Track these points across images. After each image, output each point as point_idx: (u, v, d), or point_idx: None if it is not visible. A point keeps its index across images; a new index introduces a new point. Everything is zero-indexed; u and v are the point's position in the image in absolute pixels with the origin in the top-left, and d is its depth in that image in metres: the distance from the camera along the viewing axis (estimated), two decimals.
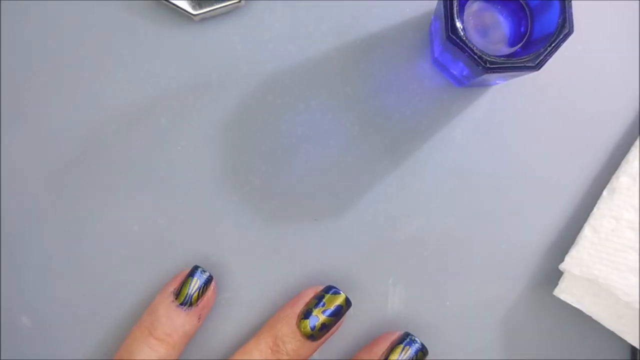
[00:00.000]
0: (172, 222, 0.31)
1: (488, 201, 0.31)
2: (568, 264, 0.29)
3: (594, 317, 0.29)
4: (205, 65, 0.30)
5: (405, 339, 0.28)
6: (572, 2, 0.23)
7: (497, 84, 0.30)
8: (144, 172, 0.31)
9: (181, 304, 0.28)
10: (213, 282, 0.29)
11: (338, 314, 0.28)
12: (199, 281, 0.28)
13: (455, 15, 0.23)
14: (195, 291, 0.28)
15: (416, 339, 0.28)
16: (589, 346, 0.30)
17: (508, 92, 0.30)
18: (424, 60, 0.30)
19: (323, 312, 0.28)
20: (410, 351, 0.28)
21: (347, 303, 0.28)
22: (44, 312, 0.31)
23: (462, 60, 0.25)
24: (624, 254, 0.28)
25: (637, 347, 0.29)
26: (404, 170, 0.30)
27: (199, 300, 0.28)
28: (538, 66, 0.23)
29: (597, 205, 0.29)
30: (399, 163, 0.30)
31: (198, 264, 0.30)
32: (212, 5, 0.29)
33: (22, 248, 0.31)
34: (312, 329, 0.27)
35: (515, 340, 0.30)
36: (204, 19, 0.30)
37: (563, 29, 0.23)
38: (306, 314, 0.28)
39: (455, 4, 0.23)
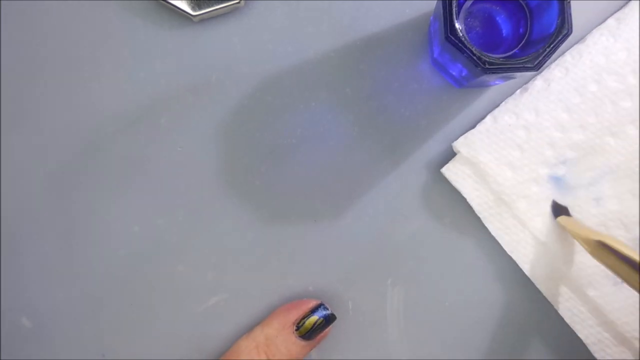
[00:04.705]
0: (172, 222, 0.31)
1: None
2: (459, 143, 0.29)
3: (470, 202, 0.30)
4: (205, 66, 0.30)
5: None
6: (571, 2, 0.23)
7: (496, 84, 0.30)
8: (143, 172, 0.31)
9: (301, 336, 0.29)
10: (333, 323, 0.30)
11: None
12: (323, 321, 0.29)
13: (454, 16, 0.23)
14: (318, 330, 0.29)
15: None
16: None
17: (507, 92, 0.30)
18: (423, 60, 0.30)
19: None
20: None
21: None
22: (44, 313, 0.31)
23: (461, 61, 0.25)
24: (510, 150, 0.29)
25: (497, 237, 0.30)
26: (403, 170, 0.30)
27: (318, 336, 0.29)
28: (537, 67, 0.23)
29: (506, 100, 0.29)
30: (399, 163, 0.31)
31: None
32: (212, 5, 0.29)
33: (22, 248, 0.31)
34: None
35: (514, 340, 0.31)
36: (203, 19, 0.30)
37: (562, 29, 0.23)
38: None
39: (454, 4, 0.23)
